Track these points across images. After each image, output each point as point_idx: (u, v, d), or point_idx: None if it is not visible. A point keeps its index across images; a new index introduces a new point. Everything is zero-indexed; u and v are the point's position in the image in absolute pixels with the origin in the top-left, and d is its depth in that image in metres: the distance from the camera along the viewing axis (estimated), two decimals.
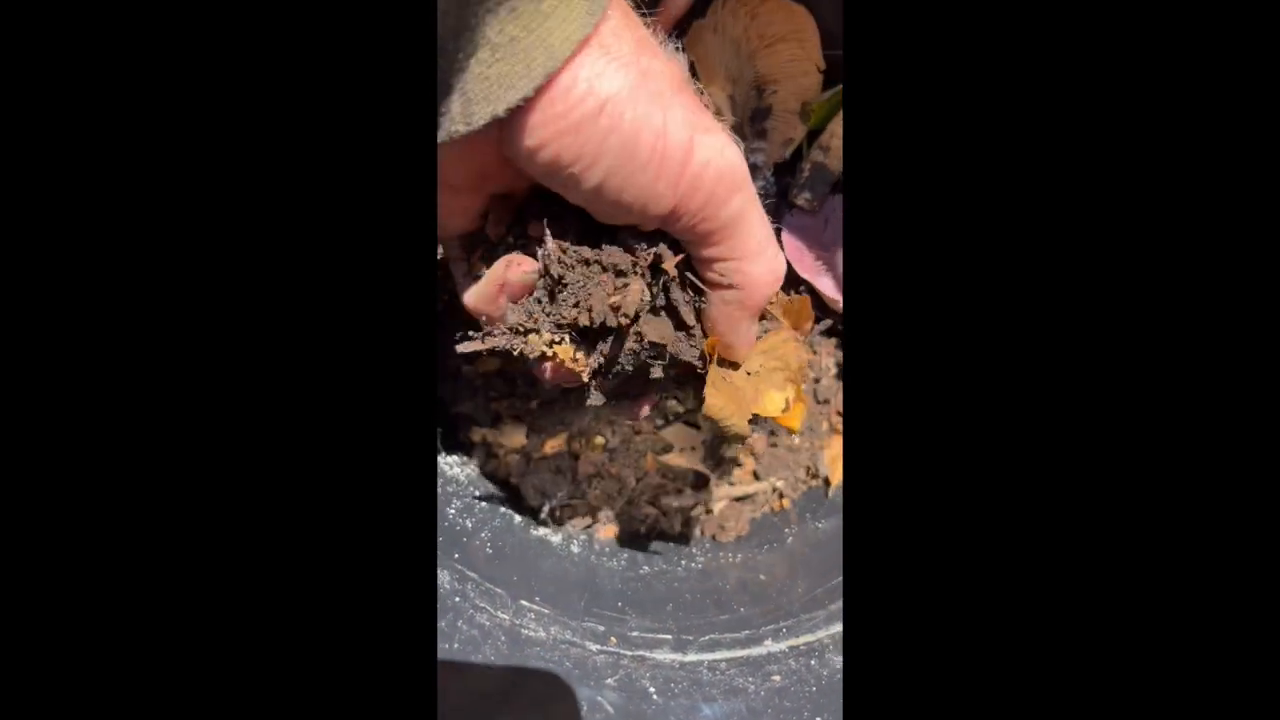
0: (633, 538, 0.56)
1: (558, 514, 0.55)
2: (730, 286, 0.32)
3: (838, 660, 0.37)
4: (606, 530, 0.56)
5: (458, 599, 0.37)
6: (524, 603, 0.40)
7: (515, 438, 0.55)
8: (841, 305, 0.55)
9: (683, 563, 0.53)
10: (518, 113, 0.27)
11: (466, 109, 0.26)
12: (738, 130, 0.54)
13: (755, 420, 0.35)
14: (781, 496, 0.58)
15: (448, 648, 0.33)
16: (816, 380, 0.59)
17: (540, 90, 0.26)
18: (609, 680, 0.35)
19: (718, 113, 0.53)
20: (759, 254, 0.31)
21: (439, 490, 0.49)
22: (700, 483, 0.58)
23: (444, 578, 0.38)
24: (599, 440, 0.57)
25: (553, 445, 0.56)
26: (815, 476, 0.58)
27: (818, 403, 0.59)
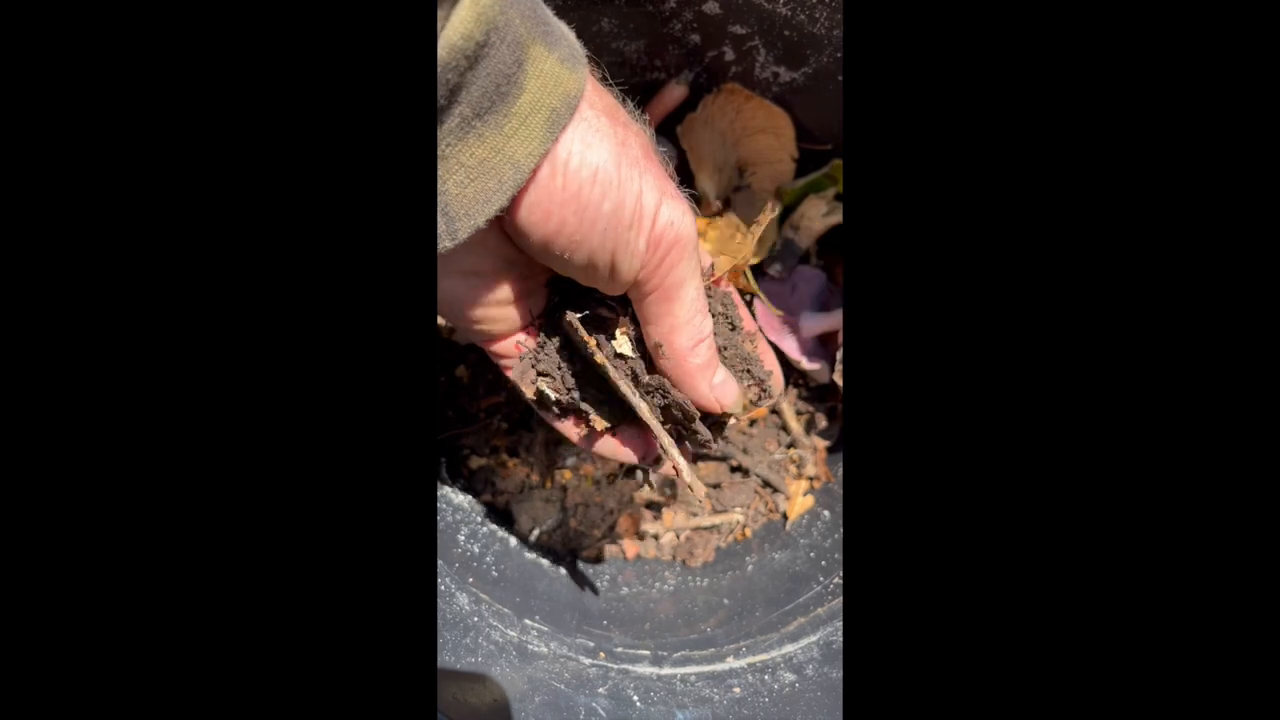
0: (612, 558, 0.63)
1: (546, 539, 0.63)
2: (659, 350, 0.36)
3: (787, 676, 0.45)
4: (589, 553, 0.64)
5: (476, 619, 0.44)
6: (527, 621, 0.47)
7: (514, 469, 0.62)
8: (804, 365, 0.63)
9: (656, 585, 0.61)
10: (517, 193, 0.29)
11: (450, 226, 0.29)
12: (719, 213, 0.62)
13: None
14: (744, 527, 0.66)
15: (472, 661, 0.40)
16: (781, 428, 0.67)
17: (533, 170, 0.29)
18: (600, 690, 0.43)
19: (704, 197, 0.60)
20: (686, 324, 0.35)
21: (448, 518, 0.56)
22: (660, 509, 0.66)
23: (464, 600, 0.46)
24: (587, 473, 0.65)
25: (545, 477, 0.63)
26: (774, 510, 0.66)
27: (783, 447, 0.67)
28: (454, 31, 0.26)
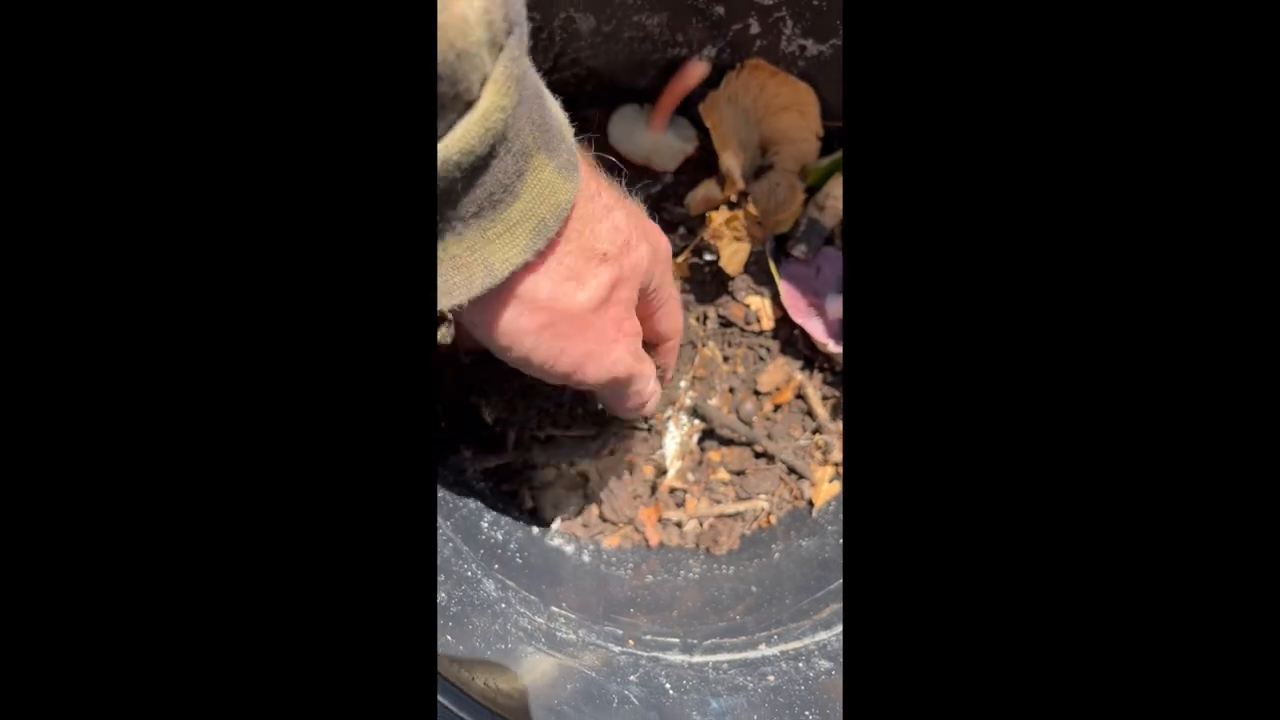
0: (635, 546, 0.62)
1: (568, 528, 0.61)
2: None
3: (823, 664, 0.44)
4: (611, 539, 0.63)
5: (504, 605, 0.43)
6: (554, 609, 0.46)
7: (540, 459, 0.61)
8: (830, 348, 0.62)
9: (681, 573, 0.60)
10: (488, 314, 0.31)
11: (440, 294, 0.29)
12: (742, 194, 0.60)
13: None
14: (769, 515, 0.65)
15: (502, 648, 0.39)
16: (806, 413, 0.66)
17: (504, 297, 0.31)
18: (632, 677, 0.42)
19: (729, 177, 0.59)
20: (628, 405, 0.42)
21: (470, 505, 0.54)
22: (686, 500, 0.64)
23: (490, 586, 0.44)
24: (610, 457, 0.63)
25: (570, 467, 0.62)
26: (800, 497, 0.65)
27: (809, 433, 0.65)
28: (454, 146, 0.25)
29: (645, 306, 0.41)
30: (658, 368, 0.46)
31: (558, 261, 0.32)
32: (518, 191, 0.28)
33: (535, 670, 0.38)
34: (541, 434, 0.61)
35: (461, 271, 0.28)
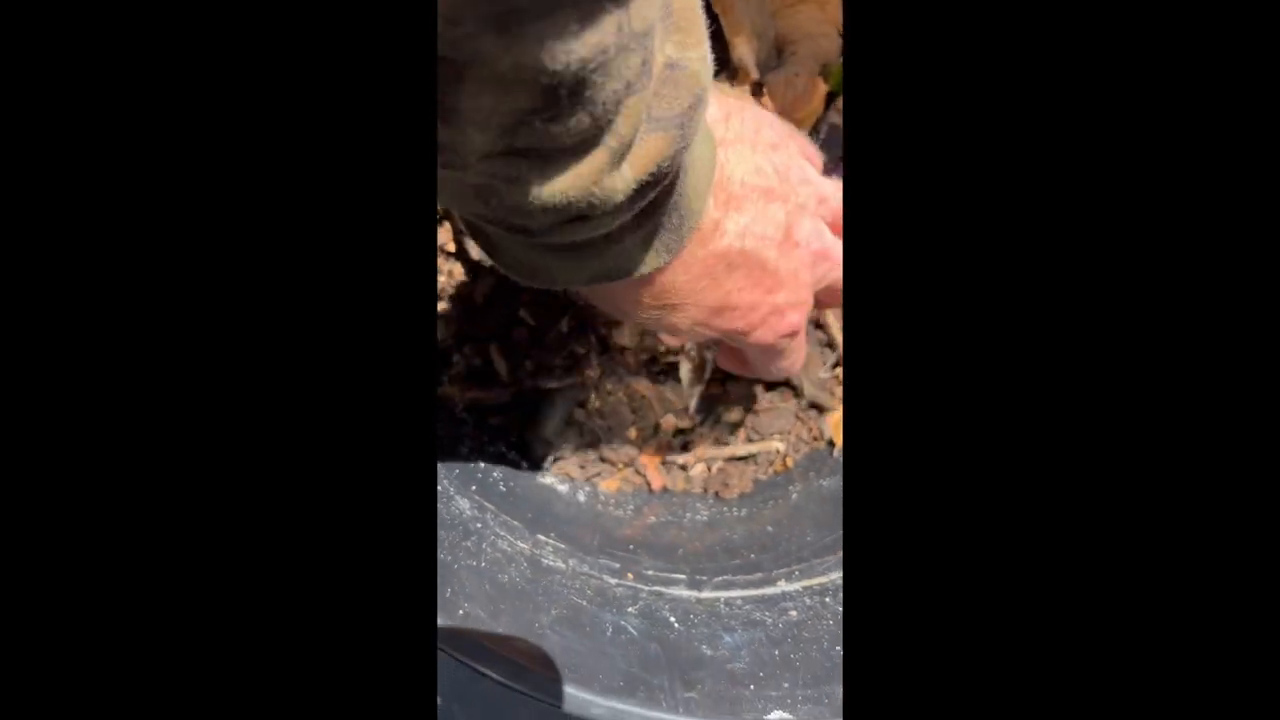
0: (636, 489, 0.56)
1: (562, 468, 0.55)
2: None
3: None
4: (610, 483, 0.56)
5: (479, 525, 0.37)
6: (540, 537, 0.40)
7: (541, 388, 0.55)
8: None
9: (688, 515, 0.54)
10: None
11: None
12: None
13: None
14: (785, 457, 0.59)
15: (474, 565, 0.33)
16: (826, 345, 0.59)
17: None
18: (630, 609, 0.35)
19: (742, 67, 0.53)
20: (780, 363, 0.39)
21: (445, 430, 0.48)
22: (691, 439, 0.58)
23: (464, 505, 0.38)
24: (616, 396, 0.57)
25: (568, 400, 0.56)
26: (819, 438, 0.59)
27: (829, 366, 0.59)
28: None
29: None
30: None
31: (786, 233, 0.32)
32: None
33: (512, 593, 0.32)
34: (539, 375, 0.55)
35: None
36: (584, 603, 0.34)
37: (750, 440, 0.59)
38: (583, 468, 0.56)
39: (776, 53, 0.57)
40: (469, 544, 0.34)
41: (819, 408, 0.58)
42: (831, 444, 0.58)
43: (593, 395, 0.56)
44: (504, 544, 0.37)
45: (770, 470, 0.59)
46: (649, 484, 0.57)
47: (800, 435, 0.59)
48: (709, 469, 0.59)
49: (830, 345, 0.59)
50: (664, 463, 0.58)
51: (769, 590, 0.40)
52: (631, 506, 0.53)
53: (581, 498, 0.53)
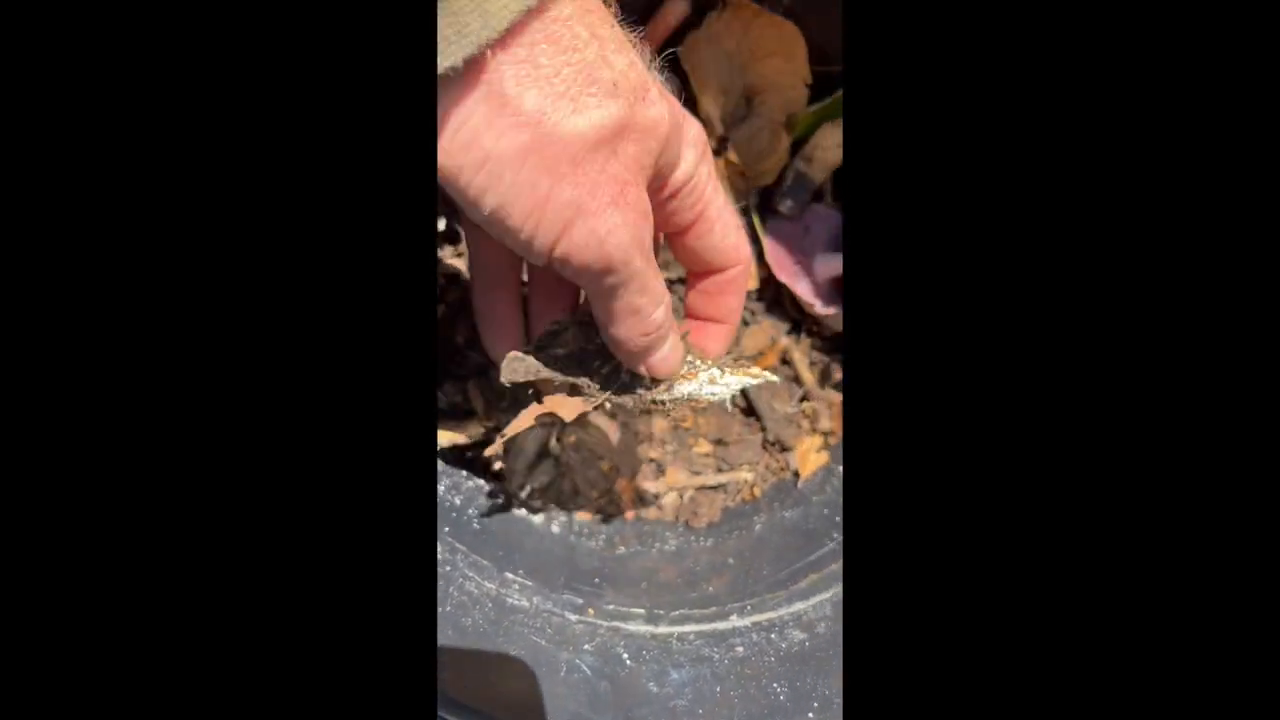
0: (610, 520, 0.58)
1: (538, 497, 0.58)
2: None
3: (796, 634, 0.41)
4: (585, 513, 0.59)
5: (448, 568, 0.40)
6: (509, 575, 0.43)
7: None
8: (817, 310, 0.58)
9: (657, 546, 0.56)
10: (466, 122, 0.25)
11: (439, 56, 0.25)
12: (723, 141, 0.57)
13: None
14: (753, 487, 0.61)
15: (442, 610, 0.36)
16: (793, 379, 0.62)
17: (485, 95, 0.25)
18: (586, 646, 0.38)
19: (708, 123, 0.55)
20: (623, 321, 0.32)
21: None
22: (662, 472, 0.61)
23: (438, 548, 0.41)
24: (591, 428, 0.60)
25: (543, 432, 0.59)
26: (785, 469, 0.61)
27: (796, 401, 0.62)
28: None
29: (674, 205, 0.34)
30: (716, 317, 0.38)
31: (554, 71, 0.26)
32: None
33: (474, 635, 0.35)
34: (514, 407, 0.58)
35: (456, 24, 0.24)
36: (543, 642, 0.37)
37: (720, 470, 0.62)
38: (557, 499, 0.59)
39: (746, 101, 0.59)
40: (437, 587, 0.37)
41: (782, 445, 0.60)
42: (796, 475, 0.61)
43: (567, 429, 0.59)
44: (471, 585, 0.40)
45: (738, 498, 0.61)
46: (623, 513, 0.59)
47: (768, 465, 0.62)
48: (680, 497, 0.61)
49: (796, 380, 0.62)
50: (638, 491, 0.61)
51: (721, 625, 0.43)
52: (603, 537, 0.56)
53: (555, 529, 0.56)
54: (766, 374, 0.35)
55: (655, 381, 0.36)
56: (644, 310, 0.32)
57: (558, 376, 0.37)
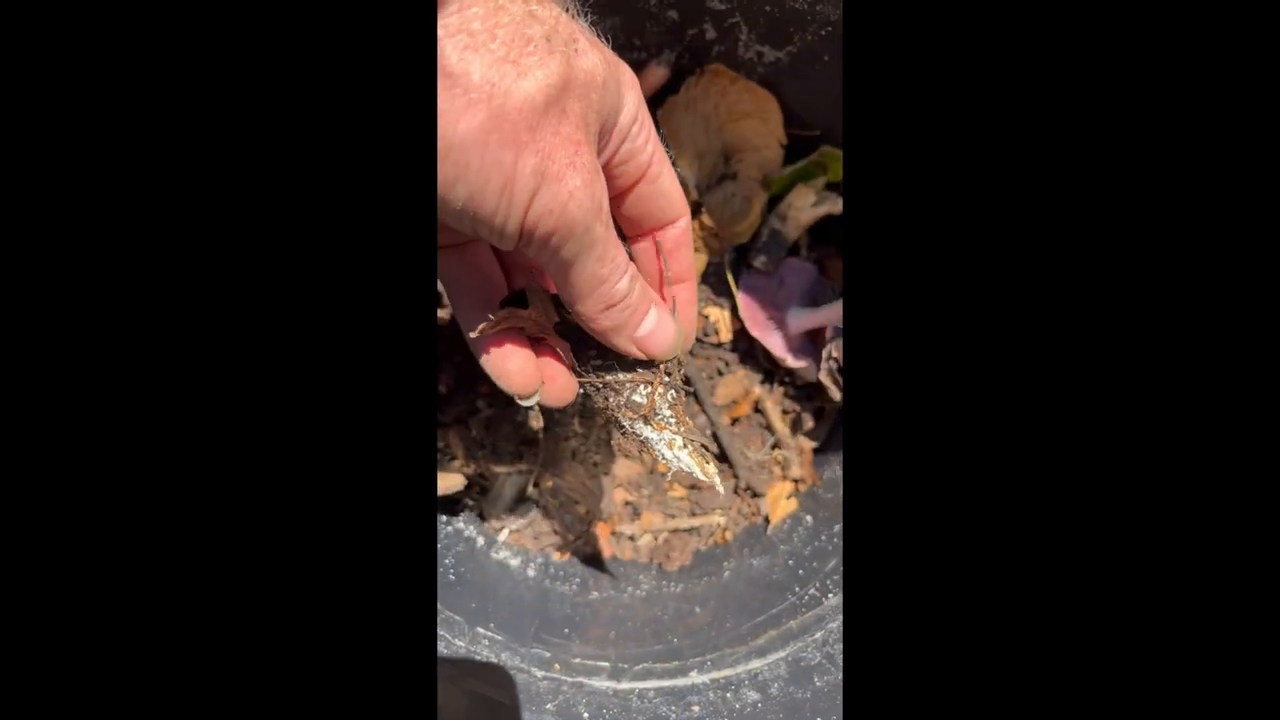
0: (586, 560, 0.61)
1: (517, 540, 0.60)
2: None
3: (750, 695, 0.43)
4: (562, 554, 0.61)
5: None
6: (480, 630, 0.45)
7: (496, 469, 0.60)
8: (789, 363, 0.60)
9: (629, 589, 0.58)
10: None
11: None
12: (699, 200, 0.59)
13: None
14: (725, 530, 0.63)
15: None
16: (765, 427, 0.64)
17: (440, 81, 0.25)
18: (549, 705, 0.40)
19: (684, 186, 0.57)
20: (590, 294, 0.32)
21: None
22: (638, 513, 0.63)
23: None
24: (569, 473, 0.62)
25: (521, 477, 0.61)
26: (756, 514, 0.63)
27: (768, 448, 0.64)
28: None
29: (626, 151, 0.33)
30: (677, 275, 0.37)
31: (489, 35, 0.26)
32: None
33: (440, 697, 0.37)
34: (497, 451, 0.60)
35: None
36: (506, 701, 0.39)
37: (694, 514, 0.64)
38: (535, 539, 0.61)
39: (724, 159, 0.61)
40: None
41: (754, 491, 0.62)
42: (767, 520, 0.63)
43: (545, 474, 0.61)
44: (441, 645, 0.42)
45: (710, 541, 0.64)
46: (599, 555, 0.62)
47: (740, 510, 0.64)
48: (655, 539, 0.63)
49: (768, 428, 0.64)
50: (614, 533, 0.63)
51: (680, 681, 0.45)
52: (578, 580, 0.58)
53: (531, 571, 0.58)
54: (716, 480, 0.36)
55: (648, 364, 0.36)
56: (609, 279, 0.32)
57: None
